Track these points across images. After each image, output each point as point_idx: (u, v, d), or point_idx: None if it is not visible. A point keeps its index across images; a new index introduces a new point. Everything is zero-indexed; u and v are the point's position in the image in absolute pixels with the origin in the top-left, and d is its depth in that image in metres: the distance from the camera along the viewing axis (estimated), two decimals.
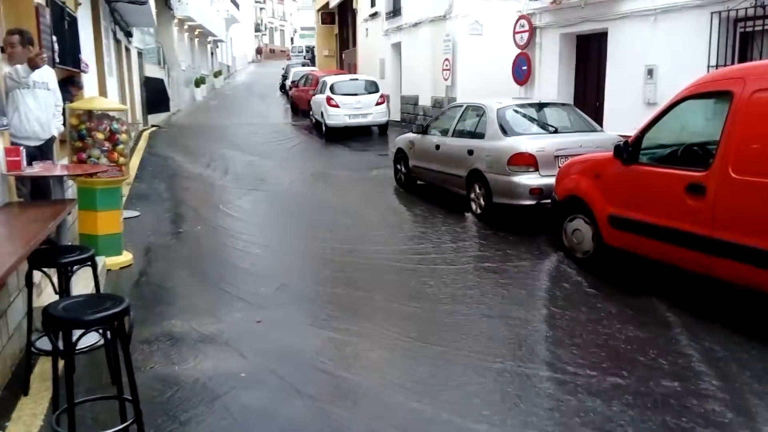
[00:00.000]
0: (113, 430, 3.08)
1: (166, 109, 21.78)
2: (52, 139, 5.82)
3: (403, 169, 10.62)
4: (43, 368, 4.00)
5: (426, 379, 4.01)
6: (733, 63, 8.29)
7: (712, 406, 3.59)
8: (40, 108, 5.58)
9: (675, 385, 3.84)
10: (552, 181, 6.94)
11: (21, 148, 4.65)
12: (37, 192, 5.26)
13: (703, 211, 4.76)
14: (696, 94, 5.23)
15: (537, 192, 7.33)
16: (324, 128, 17.46)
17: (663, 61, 9.49)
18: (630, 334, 4.59)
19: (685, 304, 5.04)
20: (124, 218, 7.00)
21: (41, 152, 5.59)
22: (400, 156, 10.69)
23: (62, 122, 5.93)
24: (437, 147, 9.28)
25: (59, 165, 5.85)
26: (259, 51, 67.43)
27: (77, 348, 2.92)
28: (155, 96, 20.45)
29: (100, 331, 2.93)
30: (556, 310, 5.12)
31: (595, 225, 5.97)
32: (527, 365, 4.16)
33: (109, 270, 6.02)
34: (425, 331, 4.79)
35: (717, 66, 8.42)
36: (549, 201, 6.98)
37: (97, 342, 4.21)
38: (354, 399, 3.81)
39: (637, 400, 3.67)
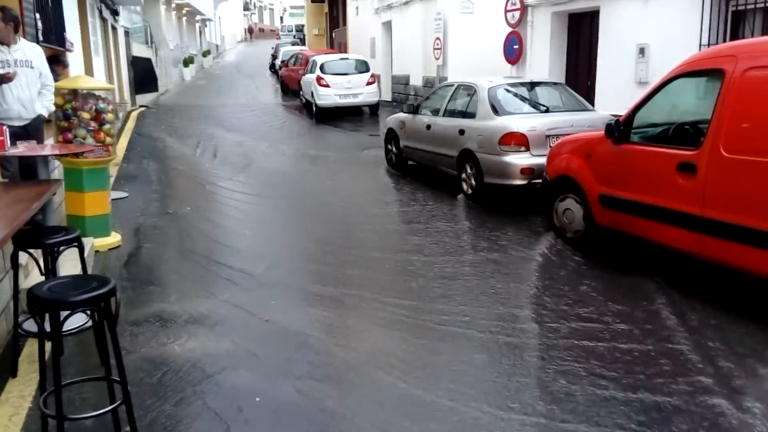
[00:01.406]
0: (101, 411, 3.06)
1: (155, 89, 21.53)
2: (39, 119, 5.72)
3: (394, 149, 10.56)
4: (31, 350, 3.96)
5: (417, 358, 4.01)
6: (725, 41, 8.26)
7: (700, 385, 3.61)
8: (21, 87, 5.47)
9: (662, 363, 3.86)
10: (543, 160, 6.92)
11: (4, 127, 4.56)
12: (27, 172, 5.19)
13: (694, 190, 4.75)
14: (688, 72, 5.20)
15: (528, 172, 7.31)
16: (314, 108, 17.33)
17: (655, 39, 9.45)
18: (618, 314, 4.60)
19: (675, 285, 5.05)
20: (113, 199, 6.93)
21: (27, 132, 5.50)
22: (391, 136, 10.63)
23: (52, 101, 5.83)
24: (428, 127, 9.22)
25: (49, 145, 5.77)
26: (250, 30, 66.66)
27: (64, 330, 2.88)
28: (143, 76, 20.19)
29: (88, 312, 2.90)
30: (546, 290, 5.12)
31: (585, 204, 5.96)
32: (516, 339, 4.17)
33: (97, 251, 5.96)
34: (416, 308, 4.78)
35: (709, 44, 8.38)
36: (540, 181, 6.96)
37: (85, 323, 4.18)
38: (345, 378, 3.80)
39: (625, 379, 3.69)
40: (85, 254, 4.13)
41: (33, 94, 5.60)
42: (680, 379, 3.66)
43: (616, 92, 9.95)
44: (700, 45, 8.52)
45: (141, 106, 19.10)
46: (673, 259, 5.38)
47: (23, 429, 3.21)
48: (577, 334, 4.30)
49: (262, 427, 3.32)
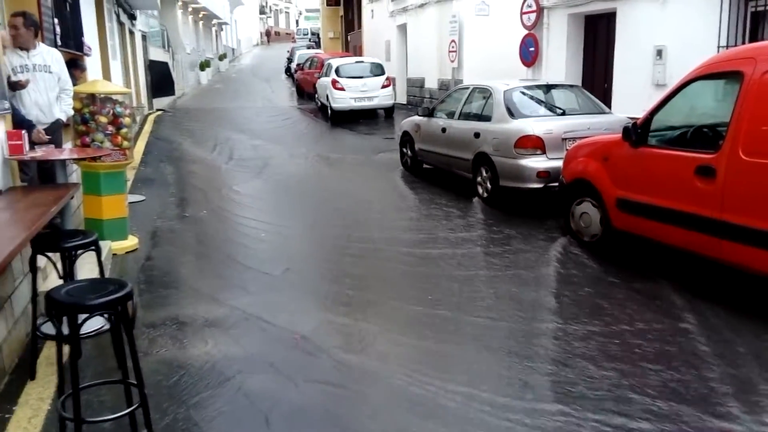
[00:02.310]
0: (118, 414, 3.08)
1: (171, 92, 21.70)
2: (57, 123, 5.78)
3: (409, 152, 10.56)
4: (50, 352, 4.00)
5: (433, 363, 3.99)
6: (743, 43, 8.16)
7: (719, 393, 3.56)
8: (39, 92, 5.54)
9: (680, 368, 3.81)
10: (559, 164, 6.87)
11: (23, 132, 4.61)
12: (45, 176, 5.25)
13: (713, 194, 4.69)
14: (706, 74, 5.15)
15: (544, 175, 7.27)
16: (329, 111, 17.37)
17: (672, 41, 9.36)
18: (636, 319, 4.56)
19: (693, 289, 4.99)
20: (130, 202, 6.99)
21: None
22: (406, 139, 10.62)
23: (71, 106, 5.90)
24: (443, 130, 9.20)
25: (67, 149, 5.83)
26: (268, 34, 67.04)
27: (82, 333, 2.90)
28: (160, 79, 20.36)
29: (105, 315, 2.93)
30: (563, 293, 5.09)
31: (603, 208, 5.91)
32: (532, 343, 4.14)
33: (114, 254, 6.01)
34: (432, 314, 4.76)
35: (727, 46, 8.29)
36: (556, 184, 6.92)
37: (102, 326, 4.22)
38: (361, 383, 3.79)
39: (640, 381, 3.65)
40: (103, 257, 4.17)
41: (51, 98, 5.67)
42: (698, 384, 3.62)
43: (633, 95, 9.87)
44: (719, 47, 8.43)
45: (158, 110, 19.26)
46: (692, 263, 5.32)
47: (42, 431, 3.24)
48: (595, 338, 4.26)
49: (280, 430, 3.32)
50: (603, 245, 5.99)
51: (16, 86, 5.26)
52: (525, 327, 4.48)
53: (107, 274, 4.92)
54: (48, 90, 5.62)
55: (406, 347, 4.26)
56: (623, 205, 5.65)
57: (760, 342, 4.11)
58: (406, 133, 10.65)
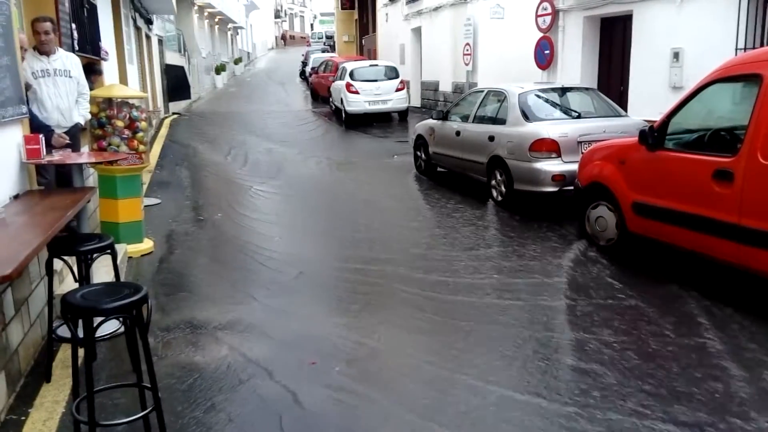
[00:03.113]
0: (133, 417, 3.09)
1: (187, 96, 21.87)
2: (76, 127, 5.85)
3: (423, 155, 10.54)
4: (65, 355, 4.03)
5: (447, 369, 3.97)
6: (762, 45, 8.07)
7: (739, 400, 3.51)
8: (60, 96, 5.61)
9: (699, 374, 3.76)
10: (575, 167, 6.83)
11: (40, 136, 4.66)
12: (62, 180, 5.30)
13: (731, 198, 4.63)
14: (724, 77, 5.09)
15: (559, 179, 7.22)
16: (344, 115, 17.41)
17: (689, 43, 9.27)
18: (653, 325, 4.51)
19: (711, 294, 4.92)
20: (145, 206, 7.05)
21: None
22: (420, 143, 10.61)
23: (88, 110, 5.96)
24: (458, 133, 9.18)
25: (84, 153, 5.89)
26: (283, 38, 67.47)
27: (97, 336, 2.92)
28: (176, 83, 20.53)
29: (120, 319, 2.94)
30: (578, 298, 5.04)
31: (619, 212, 5.86)
32: (548, 352, 4.11)
33: (130, 257, 6.05)
34: (446, 319, 4.74)
35: (746, 48, 8.19)
36: (572, 188, 6.87)
37: (117, 329, 4.25)
38: (375, 388, 3.78)
39: (659, 387, 3.60)
40: (118, 261, 4.19)
41: (71, 102, 5.74)
42: (718, 391, 3.57)
43: (649, 97, 9.79)
44: (737, 49, 8.34)
45: (174, 114, 19.41)
46: (710, 269, 5.26)
47: None
48: (611, 344, 4.21)
49: None
50: (619, 249, 5.94)
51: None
52: (540, 333, 4.44)
53: (123, 278, 4.95)
54: (69, 94, 5.69)
55: (420, 353, 4.24)
56: (639, 209, 5.59)
57: None
58: (420, 137, 10.64)
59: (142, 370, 3.12)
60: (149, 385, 3.03)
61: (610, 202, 5.98)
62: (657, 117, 5.69)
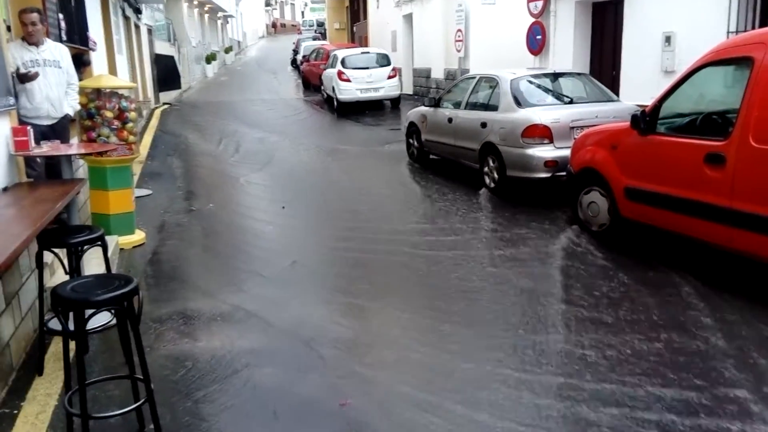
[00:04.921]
0: (125, 409, 3.08)
1: (177, 86, 21.71)
2: (66, 118, 5.79)
3: (415, 143, 10.51)
4: (57, 348, 4.01)
5: (440, 353, 3.97)
6: (753, 28, 8.05)
7: (732, 382, 3.53)
8: (50, 86, 5.55)
9: (693, 358, 3.78)
10: (567, 153, 6.82)
11: (28, 128, 4.61)
12: (52, 172, 5.26)
13: (723, 182, 4.64)
14: (716, 60, 5.08)
15: (552, 164, 7.21)
16: (335, 103, 17.33)
17: (681, 27, 9.24)
18: (646, 309, 4.52)
19: (704, 278, 4.94)
20: (137, 197, 7.00)
21: (54, 131, 5.58)
22: (413, 130, 10.57)
23: (77, 100, 5.91)
24: (450, 120, 9.15)
25: (74, 144, 5.84)
26: (274, 25, 67.09)
27: (88, 328, 2.90)
28: (166, 73, 20.37)
29: (111, 310, 2.92)
30: (571, 283, 5.05)
31: (611, 197, 5.86)
32: (541, 335, 4.11)
33: (122, 249, 6.02)
34: (439, 304, 4.74)
35: (737, 31, 8.17)
36: (564, 174, 6.86)
37: (109, 321, 4.23)
38: (367, 376, 3.78)
39: (652, 371, 3.62)
40: (109, 253, 4.17)
41: (61, 93, 5.68)
42: (711, 374, 3.58)
43: (641, 82, 9.76)
44: (728, 32, 8.32)
45: (165, 104, 19.27)
46: (702, 252, 5.27)
47: (49, 427, 3.25)
48: (604, 329, 4.23)
49: (288, 423, 3.32)
50: (612, 235, 5.95)
51: (25, 78, 5.25)
52: (533, 318, 4.45)
53: (114, 270, 4.92)
54: (58, 85, 5.64)
55: (411, 342, 4.24)
56: (632, 194, 5.59)
57: None
58: (412, 124, 10.60)
59: (135, 362, 3.11)
60: (141, 377, 3.02)
61: (602, 187, 5.98)
62: (649, 101, 5.67)
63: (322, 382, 3.70)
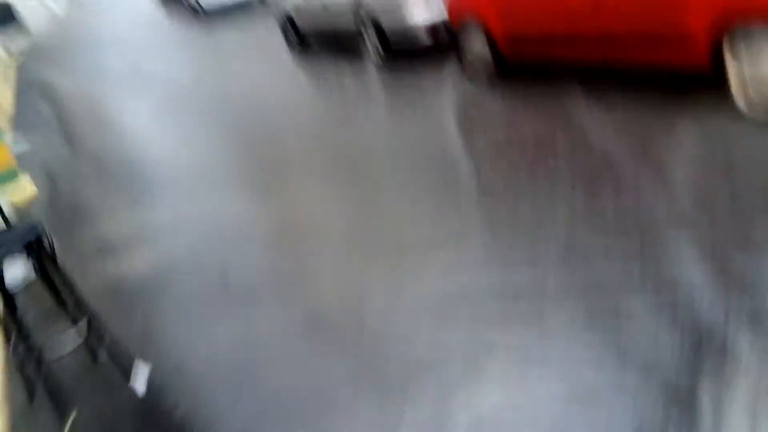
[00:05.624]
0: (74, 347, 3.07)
1: (19, 28, 19.57)
2: None
3: (294, 34, 10.22)
4: None
5: (366, 214, 4.13)
6: None
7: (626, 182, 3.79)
8: None
9: (592, 169, 4.00)
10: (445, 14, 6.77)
11: None
12: None
13: (590, 4, 4.79)
14: None
15: (434, 31, 7.13)
16: (201, 11, 16.37)
17: None
18: (540, 130, 4.73)
19: (589, 95, 5.10)
20: (17, 154, 6.60)
21: None
22: (290, 22, 10.24)
23: None
24: (325, 8, 8.86)
25: None
26: None
27: (13, 288, 2.85)
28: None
29: (26, 256, 2.84)
30: (471, 130, 5.21)
31: (492, 44, 5.94)
32: (452, 184, 4.28)
33: (18, 207, 5.74)
34: (347, 177, 4.88)
35: None
36: (446, 36, 6.85)
37: (30, 275, 4.10)
38: (291, 271, 3.82)
39: (544, 200, 3.81)
40: (5, 211, 3.98)
41: None
42: (606, 178, 3.80)
43: None
44: None
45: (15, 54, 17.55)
46: (589, 74, 5.45)
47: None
48: (505, 157, 4.41)
49: (218, 314, 3.46)
50: (500, 79, 6.08)
51: None
52: (440, 163, 4.60)
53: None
54: None
55: (327, 211, 4.37)
56: (513, 37, 5.70)
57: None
58: (287, 15, 10.25)
59: (68, 303, 3.08)
60: (78, 312, 3.01)
61: (484, 34, 6.03)
62: None
63: (256, 269, 3.82)
